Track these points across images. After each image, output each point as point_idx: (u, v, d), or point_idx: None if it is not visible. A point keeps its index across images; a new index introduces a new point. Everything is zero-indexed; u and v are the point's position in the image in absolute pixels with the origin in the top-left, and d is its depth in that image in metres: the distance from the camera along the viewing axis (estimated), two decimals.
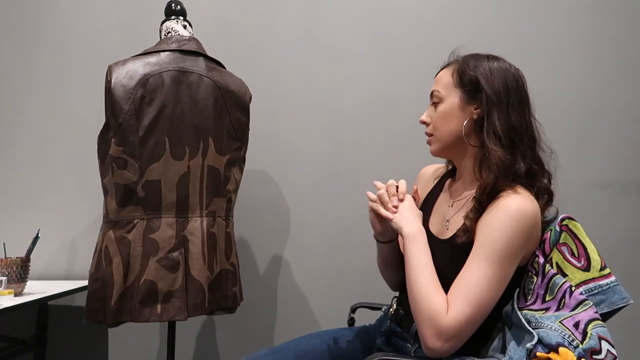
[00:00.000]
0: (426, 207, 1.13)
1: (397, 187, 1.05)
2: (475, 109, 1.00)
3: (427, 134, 1.08)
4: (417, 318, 0.90)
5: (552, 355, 0.79)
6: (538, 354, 0.80)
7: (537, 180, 0.98)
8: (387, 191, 1.05)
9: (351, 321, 1.31)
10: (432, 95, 1.06)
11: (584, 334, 0.81)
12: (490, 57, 1.02)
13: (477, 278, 0.87)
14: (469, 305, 0.86)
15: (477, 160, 1.00)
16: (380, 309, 1.28)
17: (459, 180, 1.09)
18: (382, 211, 1.03)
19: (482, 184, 0.95)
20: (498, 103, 0.97)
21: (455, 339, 0.86)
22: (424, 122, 1.08)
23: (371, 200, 1.06)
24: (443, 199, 1.12)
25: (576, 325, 0.83)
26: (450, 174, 1.17)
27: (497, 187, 0.94)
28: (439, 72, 1.08)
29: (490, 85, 0.97)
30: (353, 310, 1.33)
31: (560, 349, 0.78)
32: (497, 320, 0.94)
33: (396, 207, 1.03)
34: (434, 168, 1.23)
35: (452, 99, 1.02)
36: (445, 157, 1.12)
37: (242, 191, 1.63)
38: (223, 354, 1.92)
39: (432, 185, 1.18)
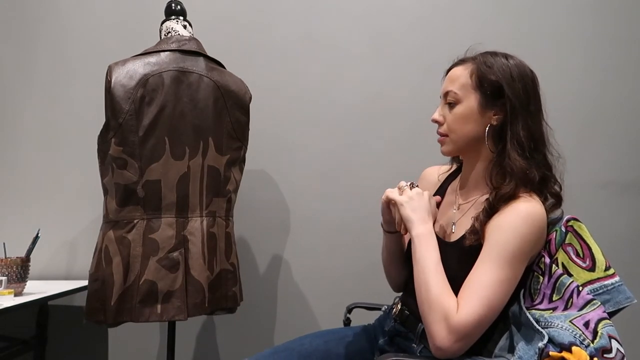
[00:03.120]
0: None
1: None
2: (494, 115, 0.98)
3: (440, 133, 1.05)
4: (428, 318, 0.89)
5: (565, 354, 0.79)
6: (551, 353, 0.80)
7: (547, 186, 0.98)
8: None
9: (347, 321, 1.31)
10: (446, 94, 1.02)
11: (595, 333, 0.82)
12: (508, 57, 1.00)
13: (489, 279, 0.87)
14: (482, 306, 0.86)
15: (490, 165, 0.99)
16: (377, 309, 1.28)
17: (465, 182, 1.08)
18: (395, 195, 1.03)
19: (501, 190, 0.94)
20: (521, 111, 0.95)
21: (465, 338, 0.86)
22: (436, 121, 1.05)
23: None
24: (448, 201, 1.11)
25: (586, 324, 0.83)
26: (454, 175, 1.16)
27: (515, 194, 0.94)
28: (451, 67, 1.04)
29: (513, 91, 0.95)
30: (349, 310, 1.32)
31: (574, 348, 0.79)
32: (499, 321, 0.94)
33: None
34: (438, 169, 1.22)
35: (470, 101, 0.99)
36: (456, 156, 1.12)
37: (242, 191, 1.63)
38: (223, 354, 1.92)
39: (437, 187, 1.17)
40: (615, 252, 1.76)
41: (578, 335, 0.81)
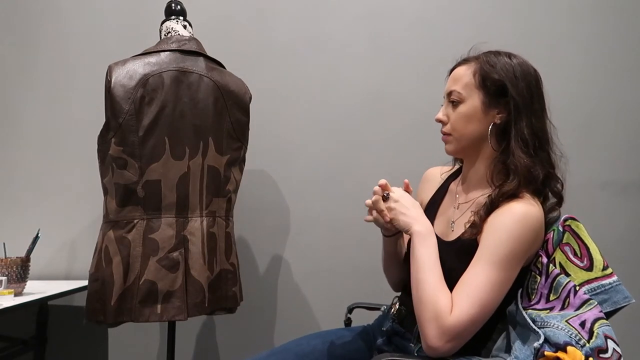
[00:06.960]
0: (432, 209, 1.13)
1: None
2: (498, 114, 0.99)
3: (444, 133, 1.05)
4: (421, 317, 0.90)
5: (560, 354, 0.79)
6: (546, 353, 0.81)
7: (550, 184, 0.98)
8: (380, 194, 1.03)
9: (347, 321, 1.31)
10: (449, 94, 1.03)
11: (591, 333, 0.82)
12: (511, 56, 1.01)
13: (482, 280, 0.88)
14: (473, 306, 0.86)
15: (491, 164, 1.00)
16: (377, 309, 1.28)
17: (465, 181, 1.08)
18: (381, 222, 1.03)
19: (504, 187, 0.94)
20: (524, 109, 0.96)
21: (457, 339, 0.86)
22: (440, 121, 1.05)
23: (370, 208, 1.05)
24: (448, 200, 1.12)
25: (582, 324, 0.83)
26: (455, 174, 1.16)
27: (517, 192, 0.94)
28: (455, 67, 1.05)
29: (517, 90, 0.96)
30: (350, 310, 1.33)
31: (569, 348, 0.79)
32: (497, 321, 0.94)
33: (388, 208, 1.01)
34: (440, 169, 1.22)
35: (474, 100, 0.99)
36: (459, 157, 1.11)
37: (242, 191, 1.63)
38: (223, 354, 1.92)
39: (439, 187, 1.17)
40: (615, 252, 1.76)
41: (574, 335, 0.81)
